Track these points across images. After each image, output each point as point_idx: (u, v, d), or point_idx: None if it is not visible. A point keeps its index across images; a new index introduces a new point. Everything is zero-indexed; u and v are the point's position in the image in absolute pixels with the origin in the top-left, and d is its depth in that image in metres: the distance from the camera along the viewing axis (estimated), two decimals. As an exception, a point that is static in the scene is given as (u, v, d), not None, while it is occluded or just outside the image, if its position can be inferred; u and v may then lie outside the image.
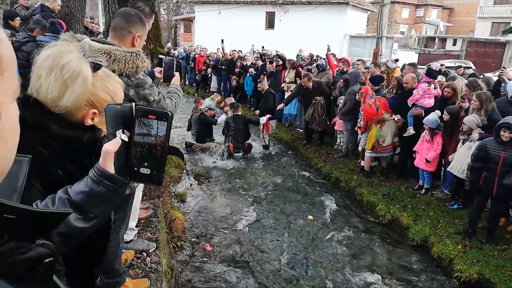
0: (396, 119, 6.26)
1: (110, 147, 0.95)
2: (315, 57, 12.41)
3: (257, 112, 8.81)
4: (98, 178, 0.95)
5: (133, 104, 0.98)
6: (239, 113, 8.07)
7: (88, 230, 0.98)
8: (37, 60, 1.17)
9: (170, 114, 0.97)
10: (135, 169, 0.97)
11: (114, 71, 2.08)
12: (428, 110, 5.80)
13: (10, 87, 0.52)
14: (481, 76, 7.70)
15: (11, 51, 0.53)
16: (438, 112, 5.55)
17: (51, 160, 1.09)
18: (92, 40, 2.20)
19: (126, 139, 0.96)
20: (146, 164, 0.97)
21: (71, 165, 1.13)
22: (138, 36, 2.31)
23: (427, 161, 5.58)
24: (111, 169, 0.96)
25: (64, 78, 1.13)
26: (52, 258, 0.56)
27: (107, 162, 0.95)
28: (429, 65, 13.70)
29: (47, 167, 1.06)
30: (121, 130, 0.97)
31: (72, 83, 1.14)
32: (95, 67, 1.23)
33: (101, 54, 2.05)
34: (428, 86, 5.87)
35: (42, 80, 1.14)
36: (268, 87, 8.90)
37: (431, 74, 6.06)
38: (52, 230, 0.55)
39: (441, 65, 13.38)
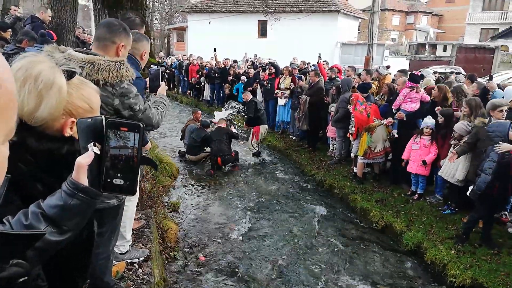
0: (385, 122, 6.32)
1: (83, 161, 0.95)
2: (306, 65, 12.50)
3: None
4: (72, 191, 0.96)
5: (103, 117, 0.99)
6: (222, 125, 8.07)
7: (62, 243, 0.98)
8: None
9: (141, 125, 0.99)
10: (108, 180, 0.98)
11: (98, 81, 2.07)
12: (414, 114, 5.96)
13: (2, 131, 0.51)
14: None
15: (10, 94, 0.50)
16: (429, 117, 5.66)
17: (30, 176, 1.08)
18: (76, 51, 2.19)
19: (98, 152, 0.97)
20: (119, 175, 0.98)
21: (50, 179, 1.12)
22: (122, 46, 2.31)
23: (424, 163, 5.61)
24: (84, 182, 0.97)
25: (38, 89, 1.11)
26: (26, 277, 0.55)
27: (80, 175, 0.96)
28: (420, 71, 13.83)
29: (27, 183, 1.06)
30: (92, 143, 0.97)
31: (47, 93, 1.12)
32: (69, 75, 1.21)
33: (85, 64, 2.04)
34: (410, 90, 5.98)
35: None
36: (251, 97, 8.84)
37: (414, 79, 6.15)
38: (26, 250, 0.54)
39: (434, 72, 13.55)
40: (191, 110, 8.89)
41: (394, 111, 6.23)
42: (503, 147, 4.09)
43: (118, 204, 2.41)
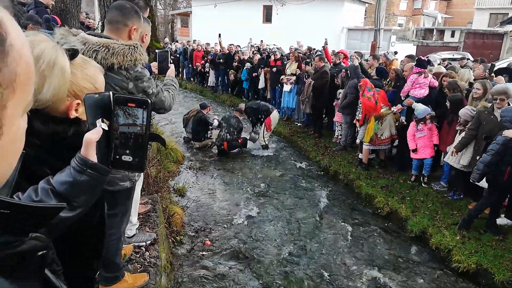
0: (395, 110, 6.27)
1: (92, 136, 0.95)
2: (313, 50, 12.37)
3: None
4: (81, 167, 0.95)
5: (111, 92, 0.98)
6: (238, 115, 8.09)
7: (72, 219, 0.98)
8: None
9: (149, 101, 0.98)
10: (117, 157, 0.98)
11: (113, 64, 2.07)
12: (423, 100, 5.90)
13: (21, 104, 0.51)
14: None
15: (29, 66, 0.50)
16: (420, 104, 5.70)
17: (38, 160, 1.08)
18: (89, 34, 2.18)
19: (106, 128, 0.97)
20: (128, 152, 0.98)
21: (58, 162, 1.12)
22: (134, 29, 2.30)
23: (436, 145, 5.68)
24: (93, 158, 0.96)
25: (40, 69, 1.07)
26: (45, 251, 0.56)
27: (89, 151, 0.95)
28: (427, 57, 13.66)
29: (35, 168, 1.05)
30: (100, 119, 0.97)
31: (50, 73, 1.09)
32: (72, 54, 1.18)
33: (100, 47, 2.04)
34: (418, 76, 5.91)
35: None
36: (245, 105, 8.58)
37: (421, 64, 6.07)
38: (45, 224, 0.54)
39: (443, 59, 13.35)
40: (200, 103, 8.77)
41: (402, 98, 6.15)
42: (506, 132, 4.08)
43: (131, 186, 2.44)
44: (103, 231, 1.28)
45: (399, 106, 6.24)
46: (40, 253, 0.56)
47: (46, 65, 1.08)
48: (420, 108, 5.61)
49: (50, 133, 1.12)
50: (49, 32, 5.02)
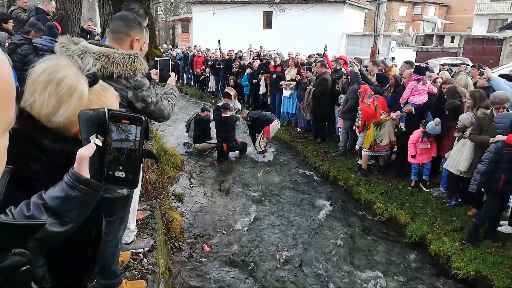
0: (394, 116, 6.28)
1: (85, 152, 0.96)
2: (313, 56, 12.39)
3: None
4: (73, 183, 0.96)
5: (106, 109, 0.99)
6: (228, 114, 8.00)
7: (64, 234, 0.98)
8: (33, 73, 1.14)
9: (143, 118, 0.99)
10: (110, 172, 0.99)
11: (112, 73, 2.09)
12: (422, 107, 5.93)
13: (1, 122, 0.51)
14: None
15: (7, 85, 0.50)
16: (437, 120, 5.60)
17: (44, 177, 1.08)
18: (90, 43, 2.20)
19: (100, 144, 0.98)
20: (121, 167, 0.99)
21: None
22: (137, 39, 2.33)
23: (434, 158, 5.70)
24: (86, 173, 0.97)
25: (59, 94, 1.11)
26: (28, 266, 0.56)
27: (82, 167, 0.96)
28: (427, 62, 13.70)
29: (40, 185, 1.05)
30: (94, 135, 0.98)
31: (68, 99, 1.12)
32: (92, 81, 1.21)
33: (100, 56, 2.06)
34: (417, 83, 5.92)
35: (36, 95, 1.12)
36: (247, 113, 8.63)
37: (419, 71, 6.09)
38: (28, 239, 0.55)
39: (442, 65, 13.39)
40: (201, 107, 8.83)
41: (402, 105, 6.16)
42: (498, 137, 4.09)
43: (128, 193, 2.45)
44: (97, 248, 1.28)
45: (398, 112, 6.24)
46: (23, 268, 0.56)
47: (66, 91, 1.12)
48: (433, 126, 5.55)
49: (58, 151, 1.13)
50: (52, 39, 5.02)
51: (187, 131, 8.71)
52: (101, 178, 1.00)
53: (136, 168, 0.99)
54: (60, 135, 1.15)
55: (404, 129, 6.22)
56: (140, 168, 1.02)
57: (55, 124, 1.13)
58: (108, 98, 1.30)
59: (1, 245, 0.52)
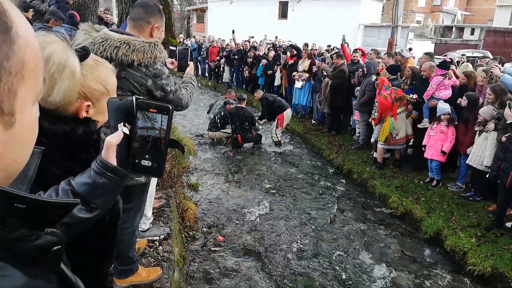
0: (414, 97, 6.16)
1: (113, 140, 0.96)
2: (331, 48, 12.25)
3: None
4: (101, 170, 0.97)
5: (134, 97, 0.99)
6: (244, 105, 8.00)
7: (90, 220, 1.00)
8: None
9: (171, 107, 0.98)
10: (137, 161, 0.99)
11: (133, 61, 2.10)
12: (447, 101, 5.77)
13: (31, 91, 0.51)
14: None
15: (36, 54, 0.51)
16: (442, 101, 5.56)
17: (47, 159, 1.09)
18: (111, 30, 2.21)
19: (128, 132, 0.98)
20: (147, 156, 0.98)
21: (68, 162, 1.13)
22: (156, 27, 2.33)
23: (443, 152, 5.51)
24: (113, 161, 0.97)
25: (50, 71, 1.06)
26: (60, 246, 0.57)
27: (109, 154, 0.97)
28: (446, 55, 13.40)
29: (43, 167, 1.07)
30: (122, 123, 0.98)
31: (59, 76, 1.08)
32: (83, 56, 1.16)
33: (121, 44, 2.07)
34: (443, 78, 5.80)
35: None
36: (262, 94, 8.78)
37: (445, 65, 5.96)
38: (61, 219, 0.56)
39: (462, 55, 13.08)
40: (227, 90, 8.98)
41: (426, 100, 6.02)
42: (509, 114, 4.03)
43: (145, 181, 2.48)
44: (115, 232, 1.29)
45: (416, 95, 6.12)
46: (55, 248, 0.57)
47: (56, 68, 1.07)
48: (440, 106, 5.50)
49: (59, 132, 1.13)
50: (72, 28, 5.08)
51: (208, 112, 8.75)
52: (127, 166, 1.00)
53: (162, 157, 0.99)
54: (58, 115, 1.14)
55: (428, 124, 6.05)
56: (166, 157, 1.02)
57: (52, 105, 1.11)
58: (104, 72, 1.27)
59: (36, 223, 0.52)
